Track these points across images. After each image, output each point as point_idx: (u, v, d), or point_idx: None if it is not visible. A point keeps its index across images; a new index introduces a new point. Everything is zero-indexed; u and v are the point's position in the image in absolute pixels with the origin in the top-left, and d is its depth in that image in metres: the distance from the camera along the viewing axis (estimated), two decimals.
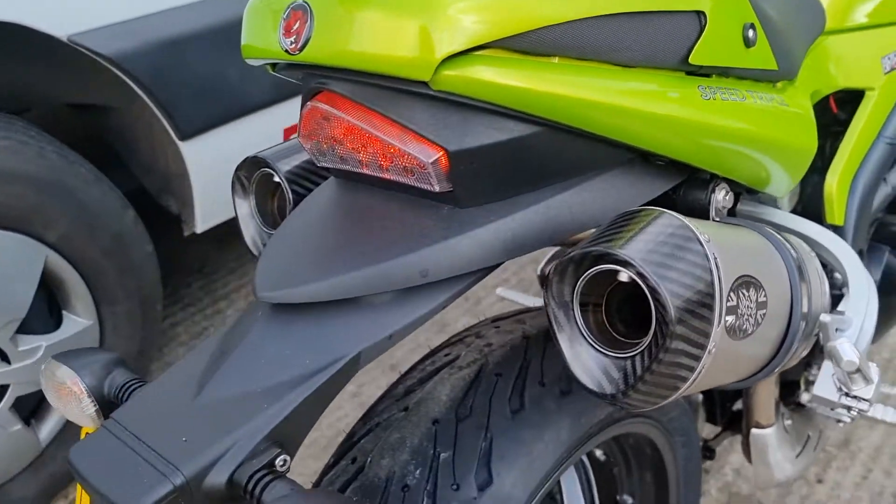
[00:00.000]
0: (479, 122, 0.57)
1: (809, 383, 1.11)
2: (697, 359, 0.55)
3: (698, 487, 1.14)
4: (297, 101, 1.54)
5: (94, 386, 0.61)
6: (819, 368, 1.08)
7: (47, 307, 1.42)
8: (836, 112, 1.10)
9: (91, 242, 1.36)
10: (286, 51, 0.58)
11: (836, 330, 0.74)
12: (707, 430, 1.42)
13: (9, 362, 1.35)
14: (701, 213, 0.76)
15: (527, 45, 0.55)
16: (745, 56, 0.72)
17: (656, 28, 0.62)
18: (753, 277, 0.61)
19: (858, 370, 0.72)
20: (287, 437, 0.53)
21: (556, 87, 0.57)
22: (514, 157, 0.59)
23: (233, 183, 0.83)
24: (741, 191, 0.83)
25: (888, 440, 1.71)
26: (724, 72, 0.70)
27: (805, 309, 0.69)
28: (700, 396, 1.23)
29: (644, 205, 0.70)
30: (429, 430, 0.75)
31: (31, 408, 1.48)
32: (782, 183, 0.80)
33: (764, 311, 0.63)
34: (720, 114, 0.67)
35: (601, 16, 0.58)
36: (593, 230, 0.66)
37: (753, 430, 1.08)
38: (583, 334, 0.58)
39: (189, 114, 1.32)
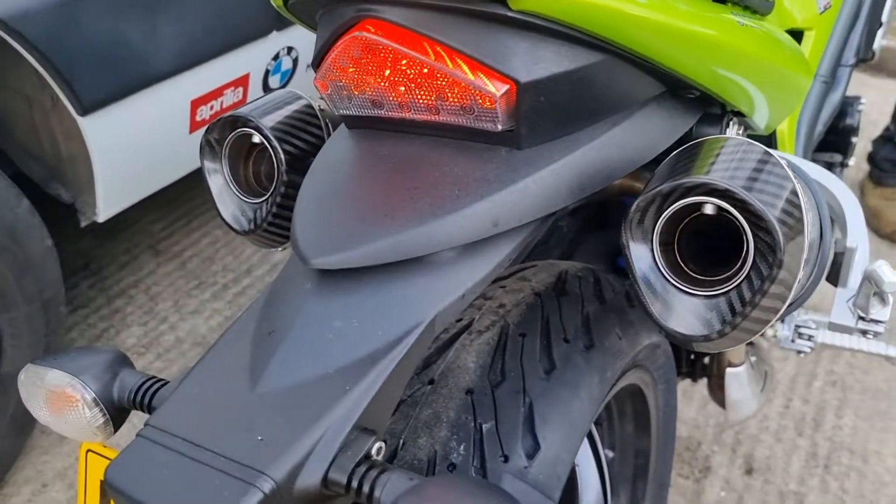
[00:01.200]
0: (548, 51, 0.51)
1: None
2: (790, 287, 0.53)
3: (674, 434, 1.15)
4: (204, 69, 1.39)
5: (100, 391, 0.50)
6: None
7: None
8: None
9: None
10: None
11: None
12: None
13: None
14: None
15: None
16: None
17: None
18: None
19: (876, 293, 0.73)
20: (377, 420, 0.45)
21: (626, 6, 0.52)
22: (579, 88, 0.54)
23: (202, 149, 0.72)
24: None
25: (801, 369, 1.83)
26: (738, 1, 0.69)
27: (836, 235, 0.69)
28: None
29: (677, 142, 0.67)
30: (464, 401, 0.69)
31: None
32: (780, 116, 0.80)
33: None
34: (754, 41, 0.65)
35: None
36: (629, 172, 0.62)
37: (728, 369, 1.10)
38: (665, 276, 0.54)
39: (91, 84, 1.14)
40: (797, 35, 1.12)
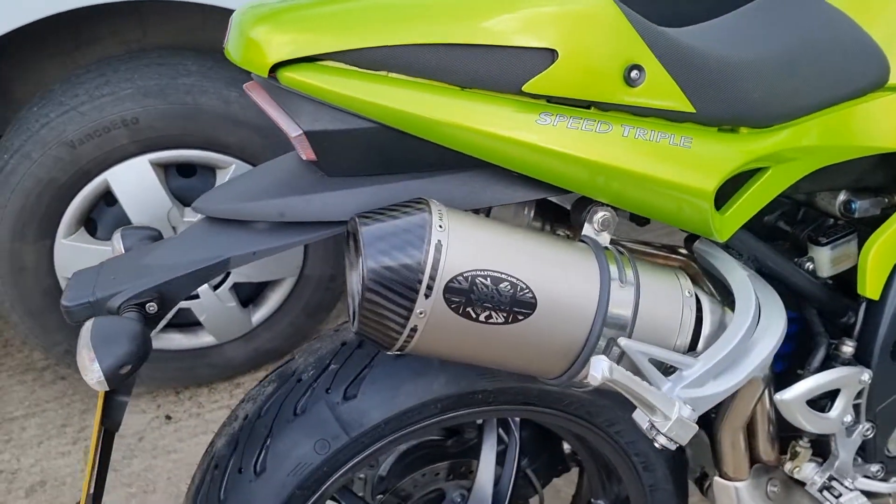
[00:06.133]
0: (325, 112, 0.77)
1: (795, 454, 1.05)
2: (407, 315, 0.70)
3: None
4: None
5: None
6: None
7: None
8: None
9: None
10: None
11: (652, 363, 0.77)
12: None
13: None
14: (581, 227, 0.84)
15: (357, 60, 0.74)
16: (628, 94, 0.78)
17: (491, 58, 0.74)
18: (507, 274, 0.72)
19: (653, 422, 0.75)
20: (165, 296, 0.80)
21: (381, 98, 0.74)
22: (360, 144, 0.78)
23: None
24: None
25: None
26: (593, 105, 0.78)
27: (603, 328, 0.75)
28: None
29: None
30: (335, 348, 0.97)
31: (249, 294, 1.98)
32: (669, 216, 0.83)
33: (526, 309, 0.73)
34: (559, 140, 0.76)
35: (427, 43, 0.74)
36: None
37: (717, 479, 1.06)
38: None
39: None
40: None
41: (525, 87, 0.75)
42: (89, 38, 1.79)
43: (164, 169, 1.71)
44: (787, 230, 1.11)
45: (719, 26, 0.94)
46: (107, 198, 1.72)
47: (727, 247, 0.95)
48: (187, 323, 1.92)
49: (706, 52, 0.83)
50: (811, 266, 1.03)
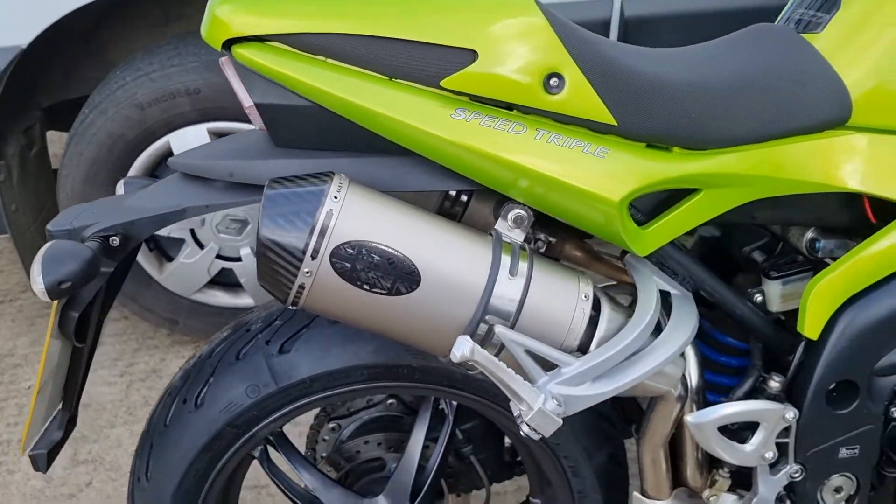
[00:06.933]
0: (275, 89, 0.85)
1: (713, 482, 1.04)
2: (294, 272, 0.78)
3: None
4: None
5: None
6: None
7: None
8: (871, 219, 0.97)
9: None
10: None
11: (532, 356, 0.81)
12: None
13: None
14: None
15: (298, 43, 0.82)
16: (547, 100, 0.82)
17: (414, 53, 0.81)
18: (394, 249, 0.78)
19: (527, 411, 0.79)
20: (128, 233, 0.92)
21: (317, 81, 0.82)
22: (301, 120, 0.86)
23: None
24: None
25: None
26: (515, 107, 0.83)
27: (484, 314, 0.80)
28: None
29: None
30: (284, 307, 1.06)
31: None
32: (582, 223, 0.86)
33: (410, 284, 0.79)
34: (470, 135, 0.82)
35: (360, 34, 0.81)
36: None
37: (636, 493, 1.07)
38: None
39: None
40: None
41: (443, 83, 0.81)
42: (178, 14, 1.98)
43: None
44: (757, 261, 1.10)
45: (680, 50, 0.96)
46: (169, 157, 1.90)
47: (663, 265, 0.97)
48: (231, 283, 2.09)
49: (637, 68, 0.86)
50: (760, 298, 1.03)
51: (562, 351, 0.83)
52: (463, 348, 0.76)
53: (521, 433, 0.81)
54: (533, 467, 1.19)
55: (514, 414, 0.82)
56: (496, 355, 0.81)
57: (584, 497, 1.14)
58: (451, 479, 1.24)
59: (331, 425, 1.25)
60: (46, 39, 1.73)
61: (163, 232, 1.95)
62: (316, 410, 1.23)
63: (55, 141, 2.68)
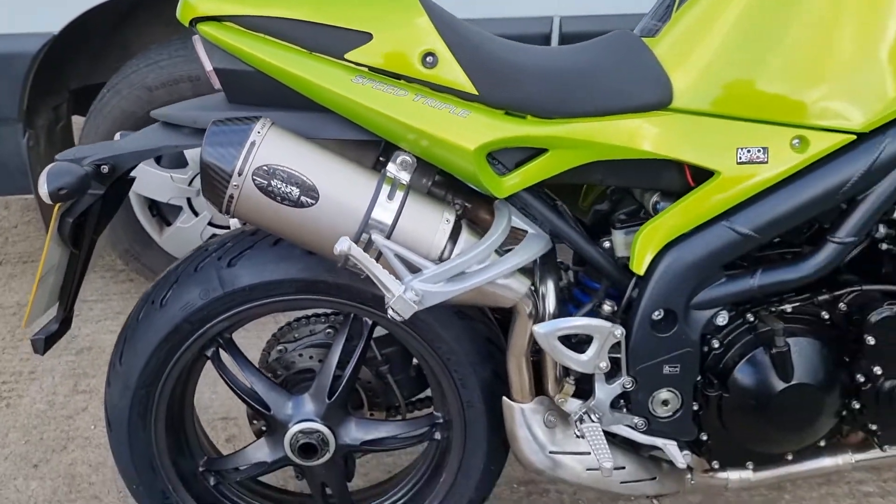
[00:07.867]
0: (230, 58, 1.15)
1: (562, 387, 1.30)
2: (224, 185, 1.07)
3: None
4: None
5: None
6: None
7: None
8: (690, 183, 1.23)
9: None
10: None
11: (401, 260, 1.09)
12: None
13: None
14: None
15: (245, 23, 1.12)
16: (424, 73, 1.11)
17: (326, 33, 1.10)
18: (299, 172, 1.07)
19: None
20: (116, 163, 1.21)
21: (258, 52, 1.12)
22: (247, 82, 1.16)
23: None
24: None
25: None
26: (402, 77, 1.12)
27: (366, 226, 1.08)
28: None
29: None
30: (237, 233, 1.35)
31: None
32: (451, 168, 1.14)
33: (311, 199, 1.07)
34: (364, 96, 1.11)
35: (287, 18, 1.11)
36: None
37: (504, 398, 1.33)
38: None
39: None
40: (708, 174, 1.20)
41: (347, 56, 1.11)
42: None
43: None
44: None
45: (548, 48, 1.26)
46: None
47: (526, 212, 1.25)
48: None
49: (499, 54, 1.15)
50: (608, 245, 1.29)
51: (425, 259, 1.11)
52: (342, 245, 1.05)
53: (388, 315, 1.08)
54: (434, 382, 1.46)
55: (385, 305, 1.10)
56: (376, 260, 1.09)
57: (471, 406, 1.40)
58: (370, 393, 1.51)
59: (279, 347, 1.53)
60: (76, 29, 2.06)
61: (163, 199, 2.27)
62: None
63: (78, 124, 3.03)
